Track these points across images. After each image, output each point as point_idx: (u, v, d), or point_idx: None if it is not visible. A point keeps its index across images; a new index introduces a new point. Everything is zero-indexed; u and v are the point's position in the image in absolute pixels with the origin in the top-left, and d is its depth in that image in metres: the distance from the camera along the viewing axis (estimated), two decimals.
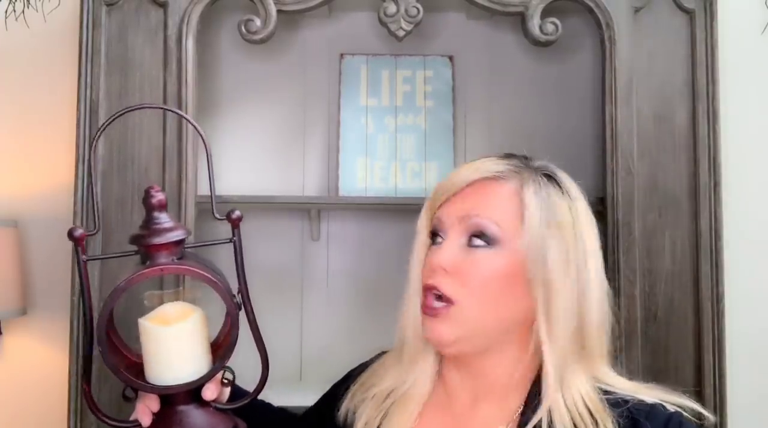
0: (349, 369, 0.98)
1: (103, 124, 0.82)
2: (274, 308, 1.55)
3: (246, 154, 1.61)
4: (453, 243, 0.82)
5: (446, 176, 0.88)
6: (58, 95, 1.52)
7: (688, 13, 1.36)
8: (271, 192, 1.57)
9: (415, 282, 0.87)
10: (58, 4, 1.51)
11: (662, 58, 1.36)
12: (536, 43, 1.36)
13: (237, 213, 0.82)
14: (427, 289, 0.82)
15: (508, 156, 0.87)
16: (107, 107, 1.33)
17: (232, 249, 0.82)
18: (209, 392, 0.79)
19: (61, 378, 1.38)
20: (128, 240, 0.78)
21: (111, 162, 1.32)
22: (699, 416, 0.80)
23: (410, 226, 1.61)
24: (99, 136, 0.81)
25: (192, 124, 0.84)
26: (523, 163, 0.85)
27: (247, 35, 1.33)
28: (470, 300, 0.79)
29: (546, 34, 1.34)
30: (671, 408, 0.78)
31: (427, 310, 0.82)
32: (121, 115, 0.81)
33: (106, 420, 0.80)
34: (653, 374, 1.27)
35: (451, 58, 1.61)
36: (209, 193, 0.83)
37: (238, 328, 0.78)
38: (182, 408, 0.78)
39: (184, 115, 0.85)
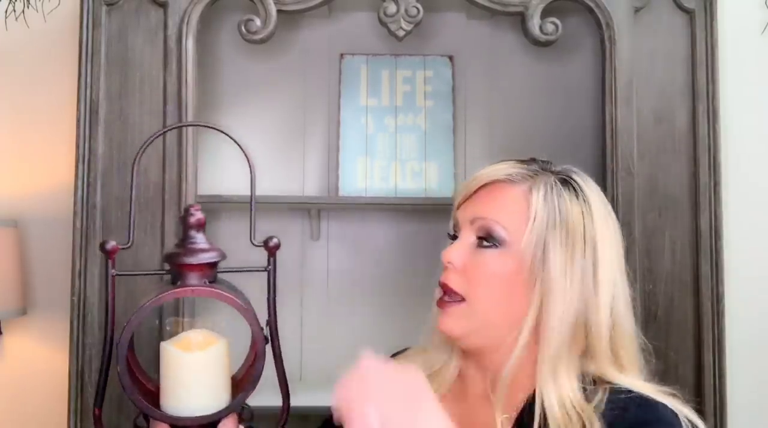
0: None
1: (146, 142, 0.79)
2: None
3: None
4: (464, 242, 0.87)
5: (467, 179, 0.94)
6: (58, 95, 1.52)
7: (688, 13, 1.36)
8: (271, 192, 1.57)
9: None
10: (58, 4, 1.51)
11: (662, 58, 1.36)
12: (536, 43, 1.36)
13: (275, 240, 0.79)
14: (440, 285, 0.87)
15: (529, 160, 0.90)
16: (107, 107, 1.33)
17: (266, 278, 0.79)
18: None
19: (61, 378, 1.38)
20: (162, 258, 0.76)
21: (111, 162, 1.32)
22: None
23: (410, 226, 1.62)
24: (140, 156, 0.78)
25: (237, 144, 0.81)
26: (541, 166, 0.88)
27: (247, 35, 1.33)
28: (478, 297, 0.84)
29: (546, 34, 1.34)
30: (672, 407, 0.79)
31: (439, 304, 0.87)
32: (162, 134, 0.78)
33: None
34: (653, 374, 1.27)
35: (451, 58, 1.61)
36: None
37: (263, 362, 0.75)
38: None
39: (229, 134, 0.81)
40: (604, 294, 0.83)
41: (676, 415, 0.78)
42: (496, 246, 0.84)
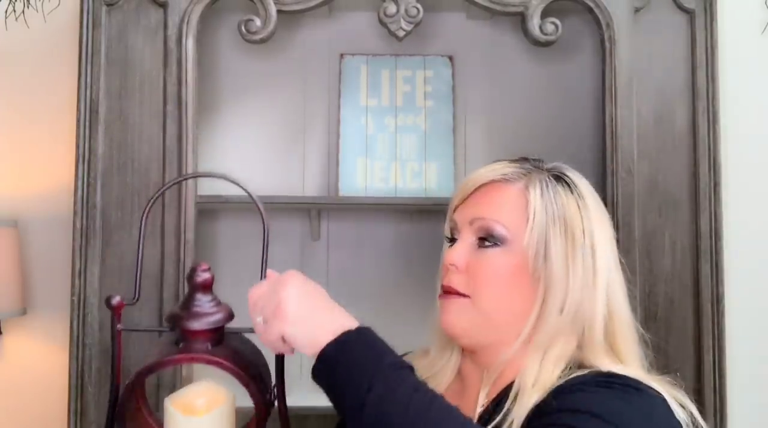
0: None
1: (159, 190, 0.78)
2: None
3: (246, 154, 1.61)
4: (465, 243, 0.88)
5: (462, 181, 0.94)
6: (58, 95, 1.52)
7: (688, 13, 1.36)
8: (271, 192, 1.56)
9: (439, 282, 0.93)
10: (58, 4, 1.51)
11: (662, 58, 1.36)
12: (536, 43, 1.36)
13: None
14: (443, 287, 0.88)
15: (520, 159, 0.92)
16: (107, 107, 1.33)
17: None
18: None
19: (61, 378, 1.39)
20: (165, 318, 0.74)
21: (111, 162, 1.32)
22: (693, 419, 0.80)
23: (410, 226, 1.62)
24: (150, 207, 0.77)
25: (251, 198, 0.79)
26: (533, 165, 0.90)
27: (247, 35, 1.33)
28: (483, 296, 0.85)
29: (546, 34, 1.34)
30: (656, 388, 0.78)
31: (442, 296, 0.89)
32: (176, 183, 0.76)
33: None
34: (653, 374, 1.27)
35: (451, 58, 1.61)
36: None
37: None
38: None
39: (244, 186, 0.78)
40: (601, 284, 0.85)
41: (653, 389, 0.77)
42: (498, 245, 0.85)
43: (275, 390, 0.76)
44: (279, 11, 1.33)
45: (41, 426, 1.51)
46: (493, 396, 0.86)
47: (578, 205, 0.86)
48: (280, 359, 0.77)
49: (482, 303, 0.85)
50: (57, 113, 1.53)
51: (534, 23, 1.34)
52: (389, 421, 0.65)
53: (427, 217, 1.59)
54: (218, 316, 0.73)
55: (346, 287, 1.61)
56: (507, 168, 0.89)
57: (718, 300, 1.33)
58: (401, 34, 1.36)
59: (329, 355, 0.70)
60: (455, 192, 0.93)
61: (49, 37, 1.54)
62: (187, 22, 1.33)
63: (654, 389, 0.78)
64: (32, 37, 1.54)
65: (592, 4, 1.34)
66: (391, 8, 1.35)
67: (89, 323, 1.29)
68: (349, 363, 0.69)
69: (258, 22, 1.33)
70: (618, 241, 1.29)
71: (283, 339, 0.72)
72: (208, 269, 0.74)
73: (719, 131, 1.35)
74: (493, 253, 0.85)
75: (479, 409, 0.86)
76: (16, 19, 1.50)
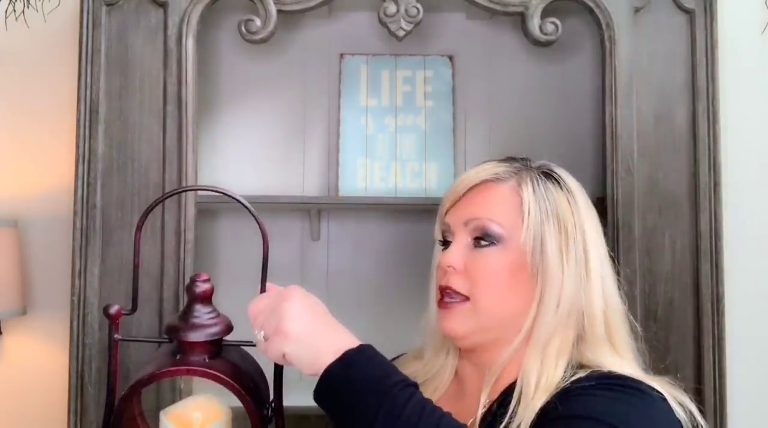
0: None
1: (154, 202, 0.78)
2: None
3: (246, 154, 1.61)
4: (460, 244, 0.88)
5: (451, 184, 0.94)
6: (58, 95, 1.52)
7: (688, 13, 1.36)
8: (271, 191, 1.57)
9: (434, 285, 0.93)
10: (58, 4, 1.51)
11: (662, 58, 1.36)
12: (536, 43, 1.36)
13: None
14: (442, 289, 0.88)
15: (509, 159, 0.93)
16: (107, 107, 1.33)
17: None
18: None
19: (61, 378, 1.39)
20: (164, 329, 0.73)
21: (111, 162, 1.32)
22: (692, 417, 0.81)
23: (410, 226, 1.62)
24: (145, 218, 0.77)
25: (251, 212, 0.79)
26: (522, 164, 0.91)
27: (247, 35, 1.33)
28: (483, 295, 0.86)
29: (546, 34, 1.34)
30: (657, 387, 0.79)
31: (442, 305, 0.88)
32: (171, 195, 0.77)
33: None
34: (653, 374, 1.27)
35: (451, 58, 1.61)
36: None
37: None
38: None
39: (246, 203, 0.79)
40: (595, 276, 0.86)
41: (655, 390, 0.78)
42: (494, 244, 0.86)
43: (272, 404, 0.76)
44: (279, 11, 1.33)
45: (41, 426, 1.51)
46: (495, 396, 0.86)
47: (568, 200, 0.87)
48: (278, 370, 0.77)
49: (482, 302, 0.86)
50: (57, 113, 1.53)
51: (534, 23, 1.33)
52: None
53: (427, 217, 1.58)
54: (216, 328, 0.73)
55: (346, 287, 1.61)
56: (497, 167, 0.90)
57: (718, 300, 1.33)
58: (401, 34, 1.36)
59: (333, 375, 0.70)
60: (446, 194, 0.94)
61: (49, 37, 1.54)
62: (187, 22, 1.33)
63: (655, 389, 0.78)
64: (32, 37, 1.54)
65: (592, 4, 1.34)
66: (391, 8, 1.35)
67: (89, 323, 1.29)
68: (354, 383, 0.69)
69: (258, 22, 1.33)
70: (618, 241, 1.31)
71: (284, 356, 0.72)
72: (208, 279, 0.74)
73: (719, 131, 1.35)
74: (490, 252, 0.86)
75: (481, 410, 0.85)
76: (16, 19, 1.50)
